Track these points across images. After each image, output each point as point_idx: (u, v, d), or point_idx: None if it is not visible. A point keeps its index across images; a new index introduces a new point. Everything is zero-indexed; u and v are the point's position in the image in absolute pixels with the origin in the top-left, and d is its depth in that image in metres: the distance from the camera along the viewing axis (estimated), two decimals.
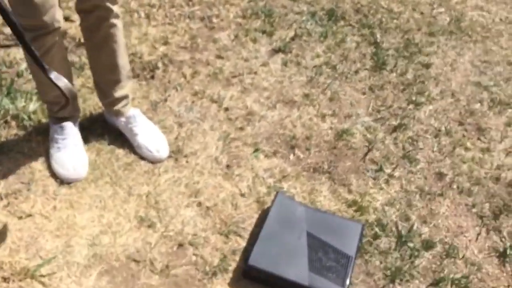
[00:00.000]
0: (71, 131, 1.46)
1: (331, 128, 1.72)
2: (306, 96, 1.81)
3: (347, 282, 1.23)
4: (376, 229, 1.42)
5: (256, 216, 1.43)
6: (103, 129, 1.59)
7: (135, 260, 1.29)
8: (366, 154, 1.64)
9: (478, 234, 1.45)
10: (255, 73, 1.88)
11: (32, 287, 1.20)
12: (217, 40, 1.97)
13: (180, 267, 1.29)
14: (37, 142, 1.54)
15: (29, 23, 1.18)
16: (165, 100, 1.71)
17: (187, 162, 1.54)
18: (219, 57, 1.91)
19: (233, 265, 1.30)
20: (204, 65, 1.87)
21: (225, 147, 1.60)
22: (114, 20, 1.34)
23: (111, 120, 1.57)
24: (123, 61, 1.44)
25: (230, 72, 1.86)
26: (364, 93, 1.86)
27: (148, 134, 1.53)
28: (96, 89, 1.53)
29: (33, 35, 1.20)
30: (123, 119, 1.52)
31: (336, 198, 1.50)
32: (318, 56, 1.98)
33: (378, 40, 2.08)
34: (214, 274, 1.28)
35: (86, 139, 1.53)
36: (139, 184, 1.46)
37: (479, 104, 1.87)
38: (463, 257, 1.38)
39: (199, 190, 1.47)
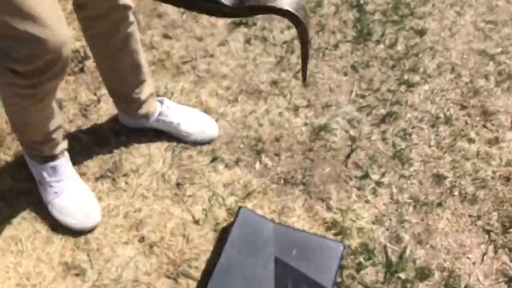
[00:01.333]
0: (66, 170, 1.17)
1: (305, 124, 1.41)
2: (275, 83, 1.48)
3: None
4: (361, 258, 1.16)
5: (212, 249, 1.16)
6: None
7: None
8: (348, 156, 1.35)
9: (484, 254, 1.19)
10: (212, 56, 1.52)
11: None
12: (162, 14, 1.59)
13: None
14: None
15: None
16: (98, 100, 1.38)
17: (126, 183, 1.24)
18: (166, 36, 1.55)
19: None
20: (148, 49, 1.51)
21: (174, 159, 1.30)
22: (132, 16, 1.06)
23: (138, 123, 1.31)
24: (143, 56, 1.17)
25: (180, 56, 1.51)
26: (345, 74, 1.53)
27: (190, 116, 1.32)
28: (115, 98, 1.26)
29: None
30: (154, 116, 1.28)
31: (312, 218, 1.23)
32: (288, 27, 1.62)
33: (362, 1, 1.71)
34: None
35: None
36: None
37: (484, 80, 1.55)
38: (465, 286, 1.14)
39: (141, 220, 1.19)
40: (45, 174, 1.14)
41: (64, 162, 1.17)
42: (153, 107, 1.27)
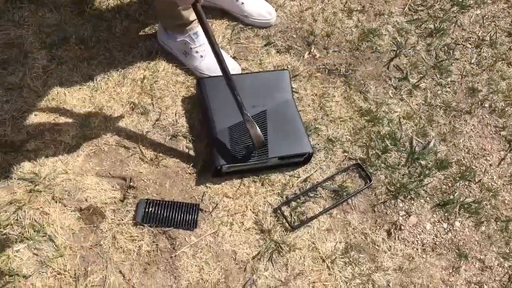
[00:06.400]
0: (202, 34, 1.27)
1: (356, 26, 1.50)
2: None
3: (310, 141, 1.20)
4: (387, 142, 1.29)
5: None
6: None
7: (125, 147, 1.23)
8: (391, 60, 1.45)
9: (502, 159, 1.30)
10: None
11: (17, 160, 1.17)
12: None
13: (171, 158, 1.22)
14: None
15: None
16: None
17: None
18: None
19: None
20: None
21: (233, 37, 1.43)
22: None
23: None
24: None
25: None
26: None
27: None
28: None
29: None
30: None
31: (348, 105, 1.35)
32: None
33: None
34: (203, 169, 1.21)
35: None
36: (135, 67, 1.35)
37: None
38: (479, 181, 1.26)
39: None
40: (189, 41, 1.30)
41: (199, 28, 1.29)
42: None
